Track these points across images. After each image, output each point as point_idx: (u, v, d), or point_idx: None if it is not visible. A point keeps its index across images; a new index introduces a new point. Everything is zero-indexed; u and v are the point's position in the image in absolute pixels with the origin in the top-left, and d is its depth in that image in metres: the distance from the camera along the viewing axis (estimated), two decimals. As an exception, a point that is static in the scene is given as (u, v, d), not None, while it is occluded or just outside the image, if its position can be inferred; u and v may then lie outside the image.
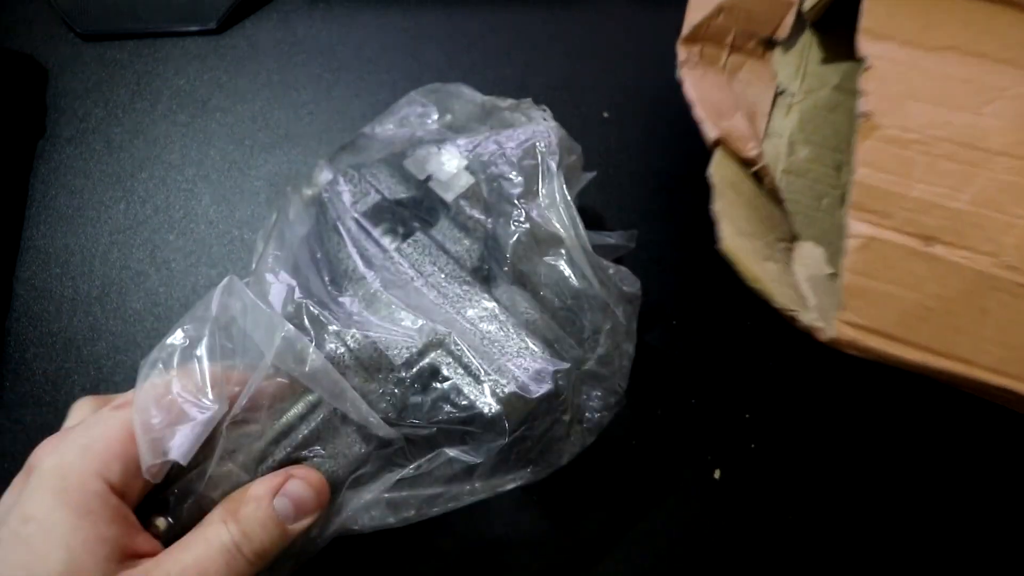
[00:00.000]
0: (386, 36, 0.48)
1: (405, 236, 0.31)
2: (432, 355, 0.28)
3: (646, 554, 0.34)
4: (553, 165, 0.30)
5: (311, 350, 0.26)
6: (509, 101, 0.35)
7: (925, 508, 0.35)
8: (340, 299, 0.30)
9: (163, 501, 0.27)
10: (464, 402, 0.27)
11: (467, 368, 0.27)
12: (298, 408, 0.28)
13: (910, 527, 0.35)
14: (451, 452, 0.27)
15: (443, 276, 0.30)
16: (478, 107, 0.35)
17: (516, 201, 0.30)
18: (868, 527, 0.35)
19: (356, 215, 0.32)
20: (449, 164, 0.32)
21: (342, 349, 0.28)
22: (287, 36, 0.48)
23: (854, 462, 0.36)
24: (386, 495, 0.28)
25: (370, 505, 0.28)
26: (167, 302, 0.40)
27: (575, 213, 0.30)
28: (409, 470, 0.27)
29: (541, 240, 0.30)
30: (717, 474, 0.36)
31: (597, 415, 0.30)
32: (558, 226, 0.29)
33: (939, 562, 0.34)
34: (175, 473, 0.26)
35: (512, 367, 0.27)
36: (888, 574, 0.35)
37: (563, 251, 0.29)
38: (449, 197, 0.31)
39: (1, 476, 0.36)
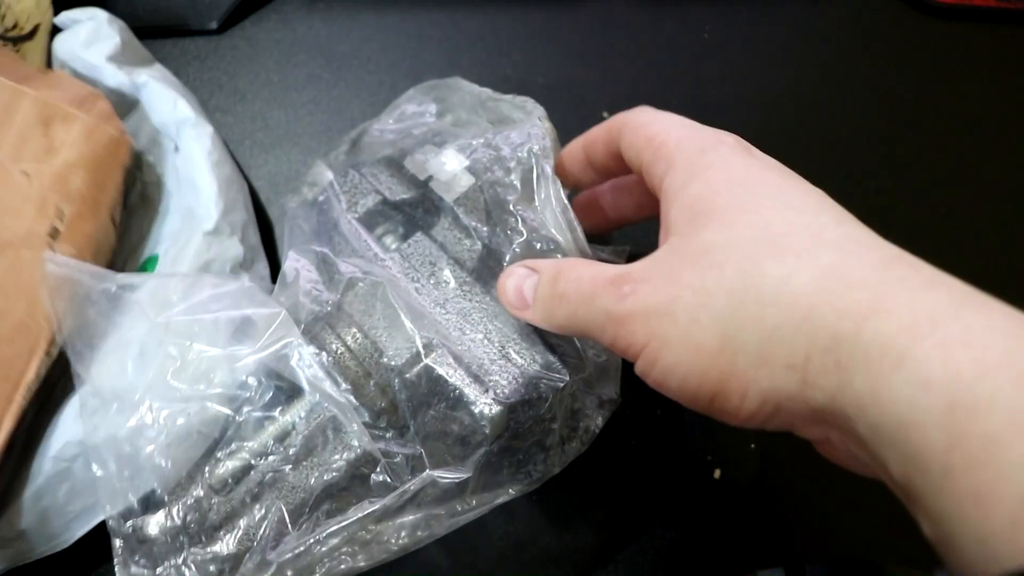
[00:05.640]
0: (386, 36, 0.48)
1: (405, 237, 0.31)
2: (424, 361, 0.28)
3: (646, 554, 0.34)
4: (548, 168, 0.30)
5: (309, 352, 0.27)
6: (507, 96, 0.35)
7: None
8: (339, 299, 0.30)
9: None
10: (444, 407, 0.27)
11: (453, 375, 0.27)
12: (292, 413, 0.29)
13: (910, 526, 0.35)
14: (436, 473, 0.27)
15: (442, 277, 0.30)
16: (476, 99, 0.35)
17: (512, 208, 0.30)
18: (868, 527, 0.35)
19: (356, 215, 0.32)
20: (450, 164, 0.32)
21: (342, 349, 0.28)
22: (287, 36, 0.48)
23: (854, 462, 0.36)
24: (372, 526, 0.27)
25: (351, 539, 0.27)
26: (167, 302, 0.40)
27: (572, 216, 0.29)
28: (393, 496, 0.27)
29: (539, 246, 0.29)
30: (717, 474, 0.36)
31: (590, 422, 0.30)
32: (555, 231, 0.29)
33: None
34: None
35: (495, 374, 0.27)
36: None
37: (561, 256, 0.29)
38: (450, 198, 0.31)
39: (1, 476, 0.36)
